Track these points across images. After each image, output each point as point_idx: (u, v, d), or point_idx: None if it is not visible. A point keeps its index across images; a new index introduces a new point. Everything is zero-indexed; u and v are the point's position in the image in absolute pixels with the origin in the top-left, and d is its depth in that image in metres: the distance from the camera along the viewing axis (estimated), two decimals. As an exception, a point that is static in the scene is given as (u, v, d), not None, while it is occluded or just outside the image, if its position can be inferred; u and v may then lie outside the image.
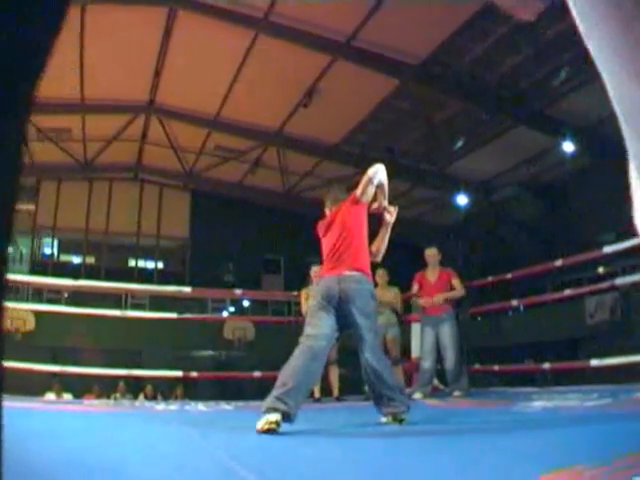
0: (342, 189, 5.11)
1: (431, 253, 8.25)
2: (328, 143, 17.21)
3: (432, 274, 8.17)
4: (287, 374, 3.99)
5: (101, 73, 13.96)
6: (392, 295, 8.95)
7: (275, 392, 3.89)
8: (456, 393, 7.69)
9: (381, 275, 9.00)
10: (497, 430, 3.93)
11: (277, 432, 3.68)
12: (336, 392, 8.89)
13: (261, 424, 3.71)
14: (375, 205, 4.74)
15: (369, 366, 4.26)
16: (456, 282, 8.06)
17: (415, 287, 8.29)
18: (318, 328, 4.27)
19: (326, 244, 4.68)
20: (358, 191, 4.62)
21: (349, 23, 12.33)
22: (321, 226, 4.87)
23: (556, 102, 13.98)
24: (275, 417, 3.73)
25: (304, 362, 4.08)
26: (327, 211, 4.97)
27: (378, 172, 4.60)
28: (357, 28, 12.37)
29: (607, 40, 0.90)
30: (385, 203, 4.72)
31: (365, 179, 4.59)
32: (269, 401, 3.85)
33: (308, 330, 4.28)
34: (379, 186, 4.65)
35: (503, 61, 13.12)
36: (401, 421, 4.24)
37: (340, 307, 4.31)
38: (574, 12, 0.93)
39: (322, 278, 4.54)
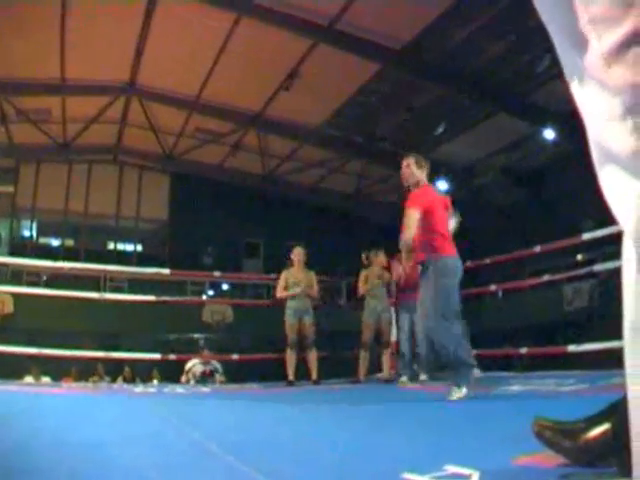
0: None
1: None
2: (308, 127, 17.14)
3: None
4: None
5: (82, 54, 13.79)
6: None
7: None
8: (422, 377, 7.74)
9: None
10: (473, 414, 3.97)
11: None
12: (314, 375, 8.63)
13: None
14: None
15: None
16: None
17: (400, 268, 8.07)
18: None
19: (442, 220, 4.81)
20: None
21: (332, 6, 12.24)
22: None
23: (538, 89, 13.98)
24: None
25: None
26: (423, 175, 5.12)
27: None
28: (340, 11, 12.28)
29: (551, 8, 0.94)
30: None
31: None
32: None
33: None
34: None
35: (486, 47, 13.09)
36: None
37: None
38: None
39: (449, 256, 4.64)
